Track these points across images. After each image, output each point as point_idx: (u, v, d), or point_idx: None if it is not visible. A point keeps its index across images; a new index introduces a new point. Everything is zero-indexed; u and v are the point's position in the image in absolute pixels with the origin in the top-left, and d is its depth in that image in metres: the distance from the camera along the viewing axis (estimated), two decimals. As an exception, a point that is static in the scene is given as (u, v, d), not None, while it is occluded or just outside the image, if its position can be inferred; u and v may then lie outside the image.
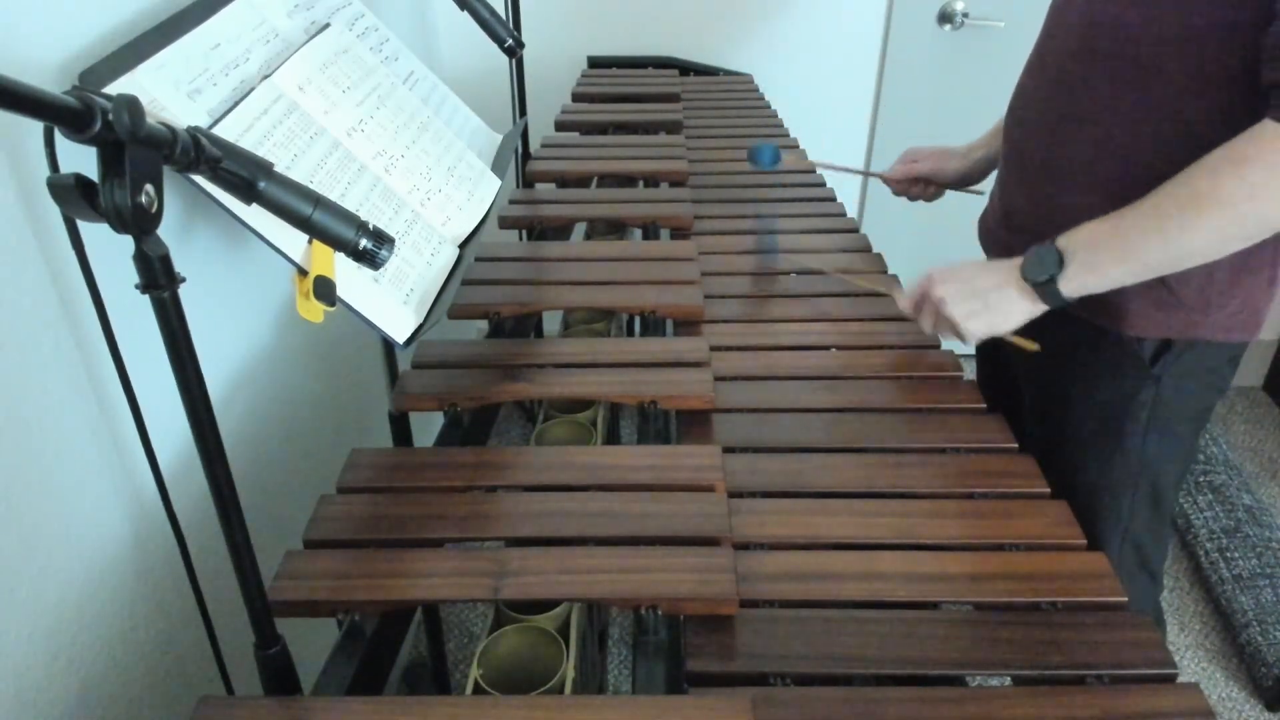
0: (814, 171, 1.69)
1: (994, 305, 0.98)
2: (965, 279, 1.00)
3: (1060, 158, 1.02)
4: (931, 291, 1.01)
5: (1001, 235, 1.15)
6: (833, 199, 1.60)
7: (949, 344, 1.18)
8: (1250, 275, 0.97)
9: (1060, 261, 0.92)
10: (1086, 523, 0.95)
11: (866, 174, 1.41)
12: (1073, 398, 1.09)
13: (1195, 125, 0.90)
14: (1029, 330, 1.01)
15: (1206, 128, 0.89)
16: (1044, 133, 1.04)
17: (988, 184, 1.43)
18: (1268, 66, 0.82)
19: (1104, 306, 1.00)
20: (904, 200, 1.46)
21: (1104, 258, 0.91)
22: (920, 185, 1.42)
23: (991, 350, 1.14)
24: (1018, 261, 0.96)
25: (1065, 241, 0.93)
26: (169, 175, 0.61)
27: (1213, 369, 1.05)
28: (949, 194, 1.43)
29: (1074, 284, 0.93)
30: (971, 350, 1.15)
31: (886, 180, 1.44)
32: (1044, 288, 0.94)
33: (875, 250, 1.40)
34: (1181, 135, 0.92)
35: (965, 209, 1.35)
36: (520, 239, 1.63)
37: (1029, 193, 1.08)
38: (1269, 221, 0.83)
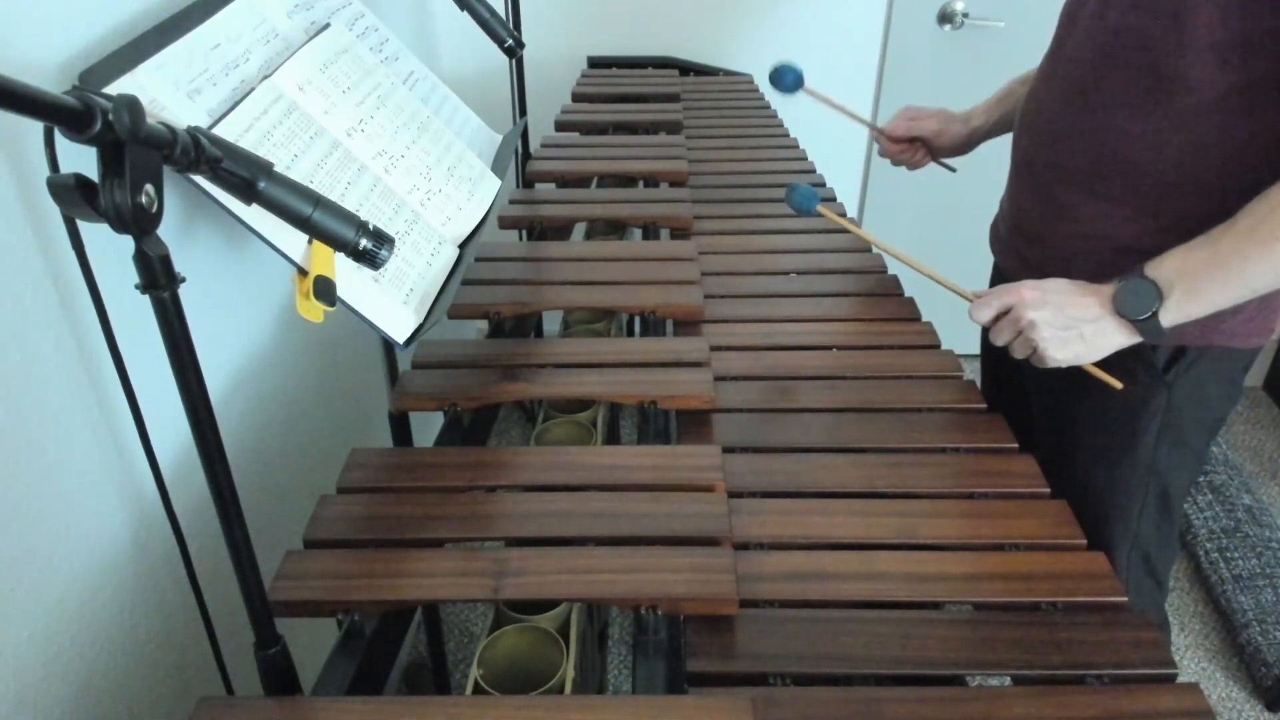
0: (814, 171, 1.70)
1: (1089, 337, 0.93)
2: (1060, 305, 0.94)
3: (1071, 166, 1.01)
4: (1023, 313, 0.95)
5: (1014, 243, 1.15)
6: (833, 198, 1.60)
7: (949, 344, 1.19)
8: None
9: (1158, 294, 0.89)
10: (1095, 530, 0.93)
11: (868, 124, 1.36)
12: (1083, 404, 1.08)
13: (1209, 134, 0.89)
14: None
15: (1219, 136, 0.88)
16: (1055, 141, 1.03)
17: (961, 163, 1.43)
18: None
19: None
20: (903, 200, 1.45)
21: (1206, 285, 0.87)
22: (913, 148, 1.39)
23: (996, 353, 1.12)
24: (1110, 291, 0.92)
25: (1156, 273, 0.89)
26: (169, 175, 0.61)
27: (1227, 376, 1.04)
28: (950, 197, 1.42)
29: (1175, 314, 0.89)
30: (1030, 365, 1.12)
31: (883, 134, 1.40)
32: (1144, 323, 0.91)
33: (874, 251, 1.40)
34: (1194, 144, 0.91)
35: (966, 210, 1.35)
36: (520, 239, 1.63)
37: (1041, 201, 1.07)
38: None
